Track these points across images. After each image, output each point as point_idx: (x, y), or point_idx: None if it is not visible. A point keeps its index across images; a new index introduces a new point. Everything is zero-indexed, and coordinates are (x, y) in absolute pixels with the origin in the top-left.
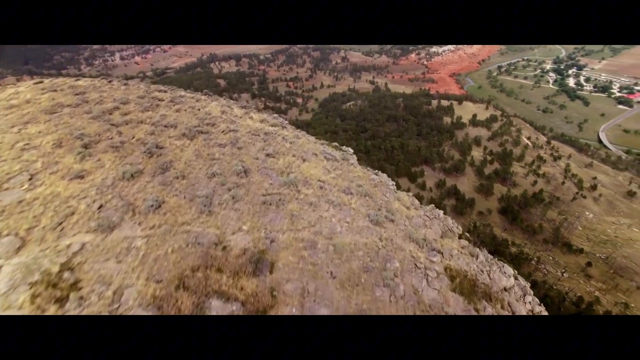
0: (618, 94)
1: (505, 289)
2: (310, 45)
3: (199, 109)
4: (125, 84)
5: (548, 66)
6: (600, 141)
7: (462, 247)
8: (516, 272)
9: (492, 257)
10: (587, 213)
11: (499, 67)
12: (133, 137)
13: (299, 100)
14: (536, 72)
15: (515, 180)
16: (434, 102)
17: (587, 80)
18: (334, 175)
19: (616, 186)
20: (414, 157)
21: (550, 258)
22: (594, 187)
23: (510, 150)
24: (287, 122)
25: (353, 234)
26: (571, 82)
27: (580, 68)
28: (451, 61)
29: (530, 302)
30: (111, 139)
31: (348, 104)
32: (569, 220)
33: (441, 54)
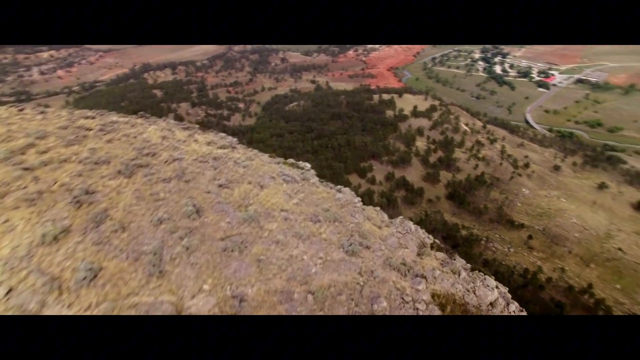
0: (537, 78)
1: (491, 304)
2: (248, 48)
3: (136, 137)
4: (42, 112)
5: (477, 55)
6: (527, 122)
7: (442, 264)
8: (497, 283)
9: (470, 268)
10: (524, 190)
11: (433, 59)
12: (55, 183)
13: (241, 105)
14: (467, 62)
15: (458, 165)
16: (376, 97)
17: (511, 66)
18: (297, 201)
19: (544, 162)
20: (362, 152)
21: (497, 236)
22: (526, 165)
23: (451, 138)
24: (236, 140)
25: (330, 272)
26: (498, 69)
27: (504, 56)
28: (388, 56)
29: (514, 311)
30: (24, 188)
31: (291, 105)
32: (509, 199)
33: (378, 49)
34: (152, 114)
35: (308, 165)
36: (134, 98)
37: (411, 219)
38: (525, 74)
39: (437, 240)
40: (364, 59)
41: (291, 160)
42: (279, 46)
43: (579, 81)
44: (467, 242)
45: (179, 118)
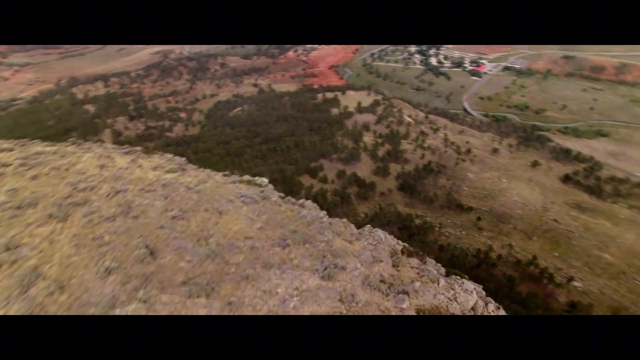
0: (469, 68)
1: (472, 309)
2: (185, 54)
3: (68, 169)
4: None
5: (413, 49)
6: (465, 109)
7: (419, 273)
8: (474, 285)
9: (445, 273)
10: (469, 174)
11: (372, 55)
12: None
13: (183, 114)
14: (404, 56)
15: (406, 157)
16: (320, 96)
17: (445, 58)
18: (260, 225)
19: (484, 146)
20: (311, 153)
21: (449, 221)
22: (469, 151)
23: (397, 130)
24: (184, 160)
25: (309, 304)
26: (433, 61)
27: (438, 48)
28: (328, 54)
29: (493, 310)
30: None
31: (235, 110)
32: (457, 184)
33: (318, 48)
34: (86, 131)
35: (265, 180)
36: (63, 115)
37: (366, 214)
38: (458, 64)
39: (405, 245)
40: (304, 58)
41: (247, 178)
42: (219, 51)
43: (506, 68)
44: (422, 231)
45: (118, 134)
